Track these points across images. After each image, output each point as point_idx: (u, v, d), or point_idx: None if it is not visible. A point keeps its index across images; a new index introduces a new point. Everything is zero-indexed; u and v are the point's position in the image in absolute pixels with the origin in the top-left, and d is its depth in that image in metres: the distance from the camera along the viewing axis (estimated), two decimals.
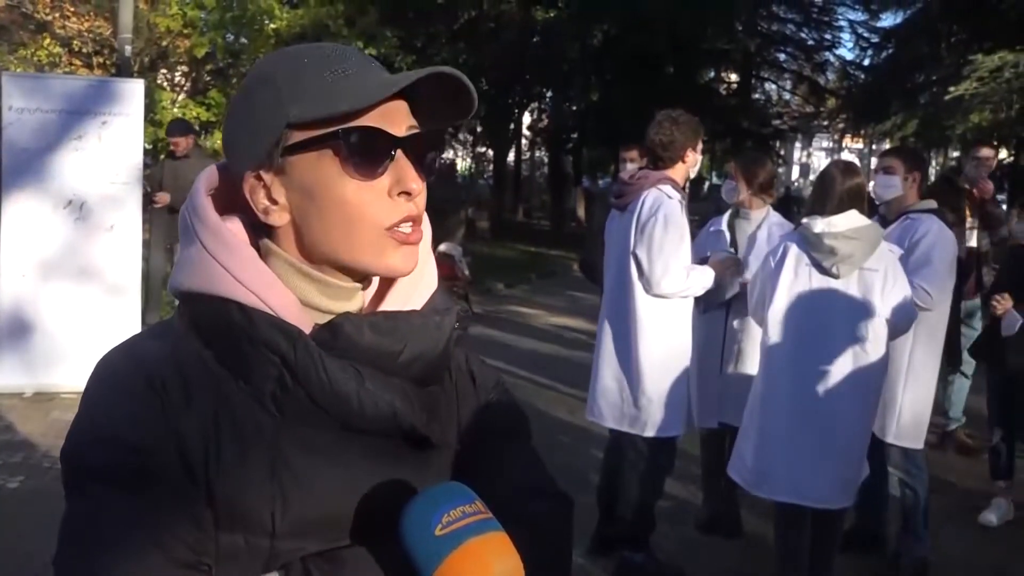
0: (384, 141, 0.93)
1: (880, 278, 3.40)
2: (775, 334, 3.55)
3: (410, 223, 0.95)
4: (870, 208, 4.19)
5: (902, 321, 3.48)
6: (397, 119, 0.94)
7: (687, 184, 4.08)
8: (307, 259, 0.97)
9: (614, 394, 4.04)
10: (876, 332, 3.41)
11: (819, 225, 3.39)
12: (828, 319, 3.43)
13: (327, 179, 0.93)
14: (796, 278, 3.48)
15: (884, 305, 3.41)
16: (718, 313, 4.33)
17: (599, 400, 4.13)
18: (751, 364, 4.05)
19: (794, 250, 3.49)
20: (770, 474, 3.52)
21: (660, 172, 3.95)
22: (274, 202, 0.96)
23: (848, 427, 3.47)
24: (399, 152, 0.94)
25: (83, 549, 0.88)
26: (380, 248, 0.95)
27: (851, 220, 3.38)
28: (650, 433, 3.95)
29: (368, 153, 0.92)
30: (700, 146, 4.03)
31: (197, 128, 13.95)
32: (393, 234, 0.95)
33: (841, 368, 3.40)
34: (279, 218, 0.96)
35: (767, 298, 3.55)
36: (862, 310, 3.40)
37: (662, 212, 3.82)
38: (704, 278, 3.96)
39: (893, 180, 4.08)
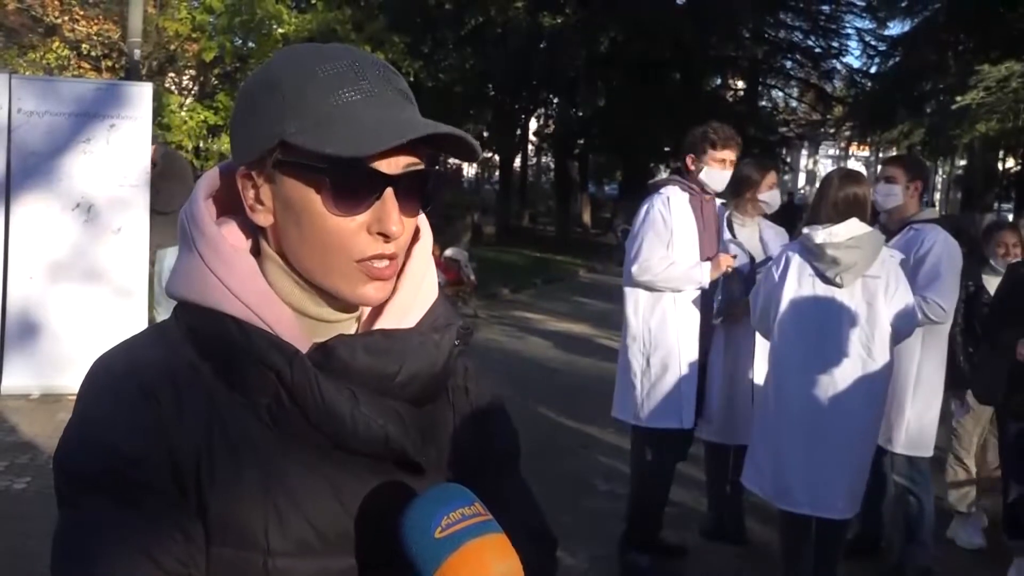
0: (373, 180, 0.91)
1: (883, 285, 3.41)
2: (782, 345, 3.54)
3: (385, 260, 0.94)
4: (872, 216, 4.16)
5: (905, 327, 3.48)
6: (395, 155, 0.91)
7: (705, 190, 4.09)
8: (293, 267, 0.97)
9: (621, 387, 4.19)
10: (881, 339, 3.41)
11: (820, 235, 3.38)
12: (834, 328, 3.43)
13: (309, 205, 0.91)
14: (800, 288, 3.48)
15: (888, 312, 3.41)
16: (745, 330, 4.23)
17: (615, 396, 4.26)
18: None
19: (796, 260, 3.49)
20: (791, 487, 3.52)
21: (674, 176, 4.20)
22: (260, 203, 0.95)
23: (858, 435, 3.48)
24: (388, 191, 0.91)
25: (74, 557, 0.88)
26: (351, 279, 0.93)
27: (852, 229, 3.37)
28: (647, 423, 4.06)
29: (353, 191, 0.91)
30: (711, 154, 4.00)
31: (205, 132, 14.01)
32: (364, 267, 0.93)
33: (850, 377, 3.40)
34: (264, 219, 0.96)
35: (772, 309, 3.56)
36: (867, 318, 3.41)
37: (645, 207, 4.07)
38: (696, 274, 3.98)
39: (894, 189, 4.06)
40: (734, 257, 4.12)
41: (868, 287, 3.41)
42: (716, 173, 4.03)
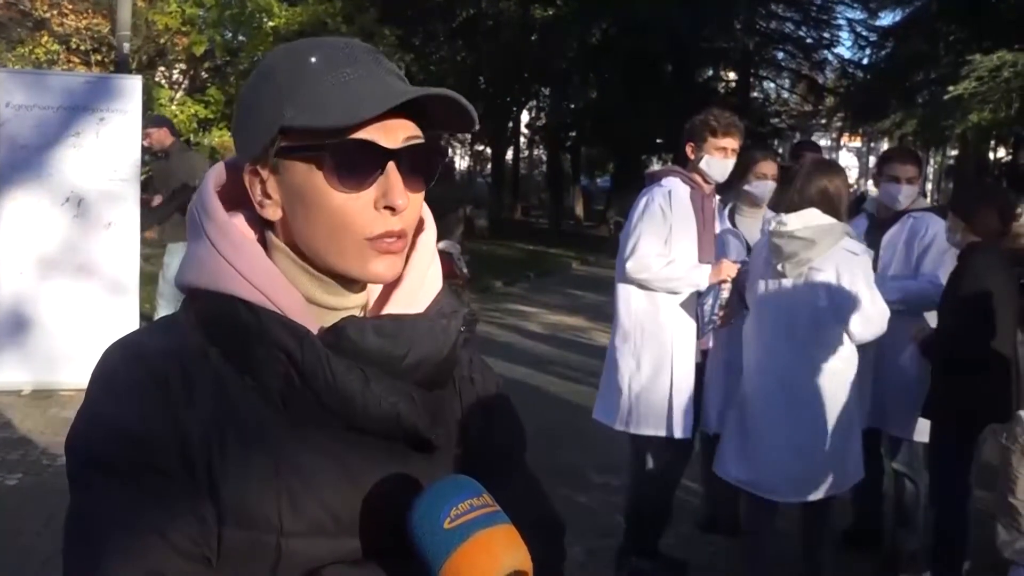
0: (373, 154, 0.92)
1: (827, 278, 3.34)
2: (745, 334, 3.61)
3: (393, 237, 0.95)
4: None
5: (862, 326, 3.36)
6: (394, 130, 0.93)
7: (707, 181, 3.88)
8: (302, 256, 0.98)
9: (606, 389, 4.01)
10: (828, 333, 3.37)
11: (773, 223, 3.40)
12: (781, 318, 3.44)
13: (314, 186, 0.93)
14: (759, 276, 3.53)
15: (833, 306, 3.34)
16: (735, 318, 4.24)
17: (599, 397, 4.09)
18: None
19: (762, 248, 3.55)
20: (759, 474, 3.53)
21: (676, 167, 3.97)
22: (268, 197, 0.97)
23: (798, 421, 3.43)
24: (390, 165, 0.93)
25: (86, 539, 0.89)
26: (362, 256, 0.95)
27: (806, 219, 3.33)
28: (634, 430, 3.87)
29: (354, 167, 0.92)
30: (712, 142, 3.80)
31: (195, 125, 13.96)
32: (375, 244, 0.94)
33: (790, 367, 3.41)
34: (273, 213, 0.97)
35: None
36: (808, 311, 3.38)
37: (645, 198, 3.81)
38: (693, 276, 3.76)
39: (913, 190, 4.08)
40: (738, 264, 3.88)
41: (811, 279, 3.36)
42: (717, 162, 3.82)
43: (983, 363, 3.56)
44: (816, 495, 3.48)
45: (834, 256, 3.34)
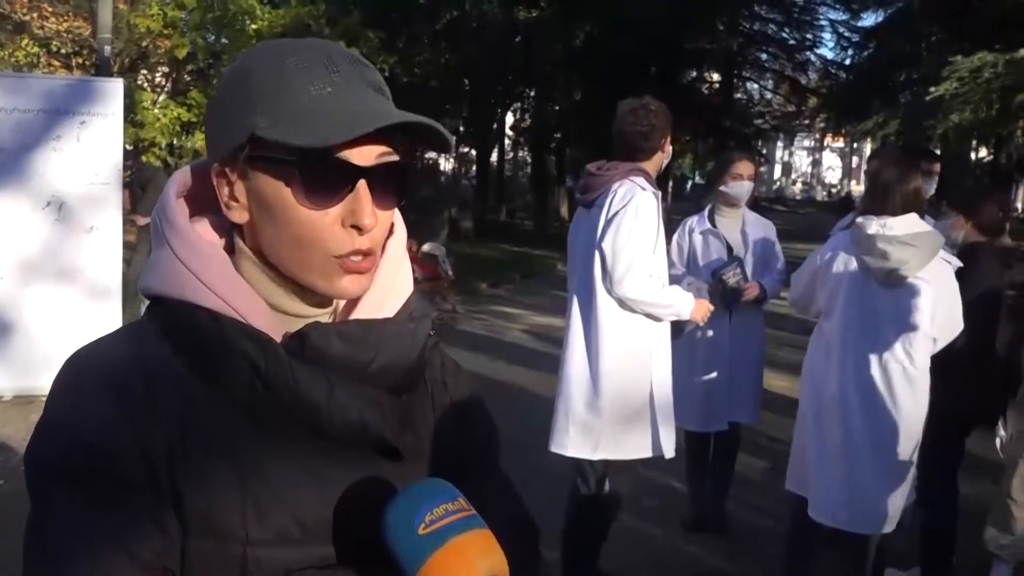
0: (344, 172, 0.90)
1: (932, 290, 3.14)
2: (820, 343, 3.37)
3: (360, 256, 0.93)
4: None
5: (946, 339, 3.24)
6: (367, 147, 0.91)
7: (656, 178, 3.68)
8: (268, 263, 0.96)
9: (570, 419, 3.52)
10: (922, 346, 3.18)
11: (873, 226, 3.11)
12: (876, 328, 3.20)
13: (281, 199, 0.91)
14: (842, 281, 3.26)
15: (931, 319, 3.15)
16: (720, 316, 4.13)
17: (569, 427, 3.51)
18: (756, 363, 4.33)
19: (843, 251, 3.29)
20: (820, 496, 3.34)
21: (632, 163, 3.47)
22: (235, 200, 0.95)
23: (888, 445, 3.21)
24: (361, 183, 0.91)
25: (45, 553, 0.87)
26: (328, 272, 0.93)
27: (909, 224, 3.10)
28: (616, 456, 3.50)
29: (324, 184, 0.90)
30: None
31: (178, 128, 13.87)
32: (342, 262, 0.93)
33: (886, 383, 3.18)
34: (239, 216, 0.95)
35: (815, 297, 3.38)
36: (909, 322, 3.15)
37: (634, 203, 3.33)
38: (680, 304, 3.47)
39: None
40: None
41: (914, 290, 3.13)
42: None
43: (981, 363, 3.51)
44: (865, 528, 3.35)
45: (936, 266, 3.15)
